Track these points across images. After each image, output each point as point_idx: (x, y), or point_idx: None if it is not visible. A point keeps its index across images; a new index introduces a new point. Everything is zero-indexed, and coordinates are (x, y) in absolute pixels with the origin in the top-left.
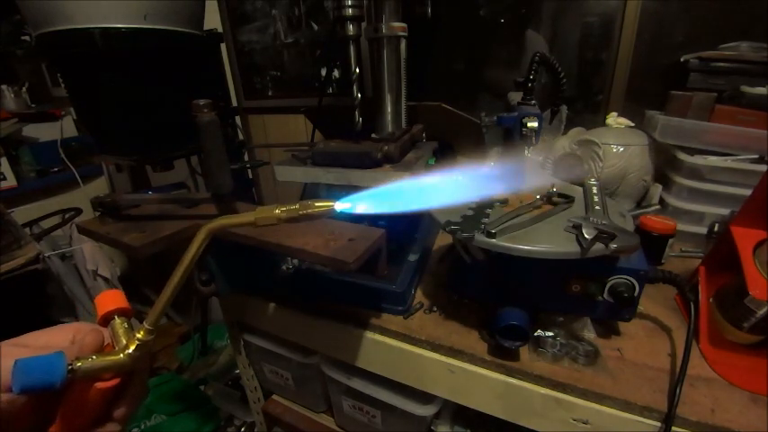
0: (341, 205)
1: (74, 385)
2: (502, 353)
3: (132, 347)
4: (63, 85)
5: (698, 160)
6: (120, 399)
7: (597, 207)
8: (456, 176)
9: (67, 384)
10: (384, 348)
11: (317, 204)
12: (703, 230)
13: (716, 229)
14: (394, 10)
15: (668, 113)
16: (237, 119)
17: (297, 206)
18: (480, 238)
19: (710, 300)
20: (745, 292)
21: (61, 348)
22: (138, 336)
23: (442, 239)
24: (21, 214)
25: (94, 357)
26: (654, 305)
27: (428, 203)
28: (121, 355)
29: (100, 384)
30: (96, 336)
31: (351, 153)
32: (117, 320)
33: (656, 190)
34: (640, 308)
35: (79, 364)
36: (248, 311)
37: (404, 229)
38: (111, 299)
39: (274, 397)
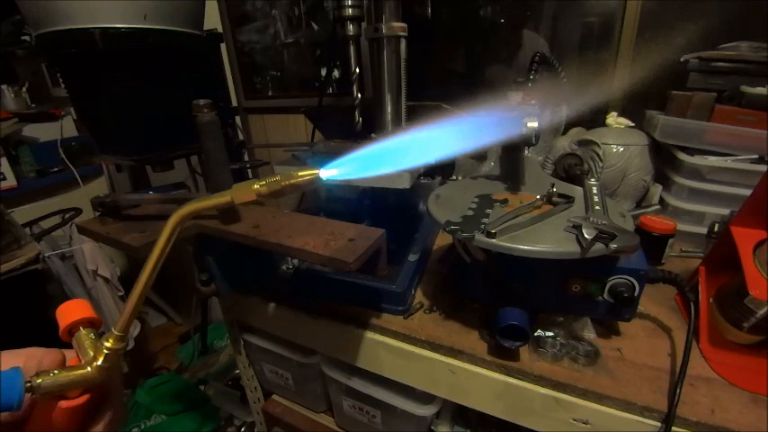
0: (326, 173)
1: (36, 405)
2: (502, 353)
3: (101, 359)
4: (63, 85)
5: (698, 160)
6: (95, 420)
7: (597, 207)
8: (439, 130)
9: (29, 405)
10: (384, 348)
11: (300, 174)
12: (703, 230)
13: (716, 229)
14: (394, 10)
15: (668, 113)
16: (237, 119)
17: (278, 177)
18: (480, 238)
19: (710, 300)
20: (745, 292)
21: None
22: (107, 344)
23: (442, 239)
24: (21, 214)
25: (56, 372)
26: (654, 305)
27: (412, 161)
28: (88, 369)
29: (64, 403)
30: (53, 357)
31: (353, 149)
32: (82, 332)
33: (656, 190)
34: (640, 308)
35: (39, 380)
36: (248, 311)
37: (404, 229)
38: (75, 309)
39: (274, 397)
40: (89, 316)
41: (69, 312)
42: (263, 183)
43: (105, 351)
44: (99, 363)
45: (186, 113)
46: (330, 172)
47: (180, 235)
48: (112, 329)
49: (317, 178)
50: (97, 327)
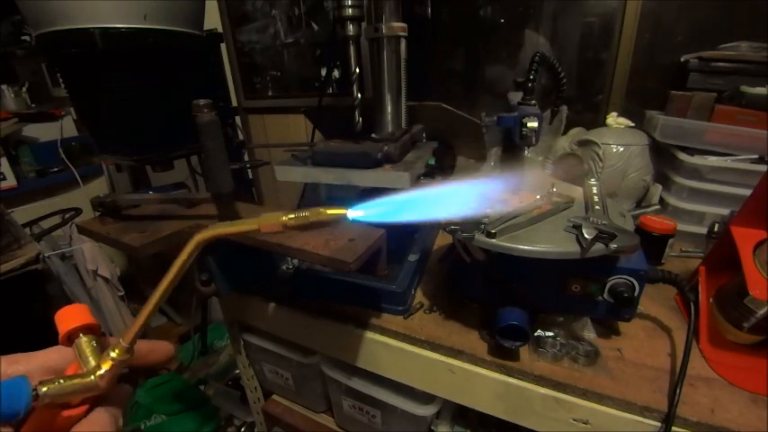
0: (353, 213)
1: (36, 413)
2: (502, 353)
3: (105, 368)
4: (63, 85)
5: (698, 160)
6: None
7: (597, 207)
8: (469, 188)
9: (29, 412)
10: (384, 348)
11: (328, 212)
12: (703, 230)
13: (716, 229)
14: (394, 10)
15: (668, 113)
16: (237, 119)
17: (307, 213)
18: (480, 238)
19: (710, 300)
20: (745, 292)
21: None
22: (113, 354)
23: (442, 239)
24: (21, 214)
25: (62, 381)
26: (654, 305)
27: (443, 214)
28: (92, 378)
29: (67, 412)
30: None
31: (351, 153)
32: (83, 339)
33: (656, 190)
34: (640, 308)
35: (44, 388)
36: (248, 311)
37: (404, 229)
38: (75, 314)
39: (274, 397)
40: (89, 322)
41: (69, 318)
42: (292, 216)
43: (111, 361)
44: (102, 372)
45: (186, 113)
46: (357, 213)
47: (182, 235)
48: (120, 340)
49: (344, 218)
50: (96, 333)
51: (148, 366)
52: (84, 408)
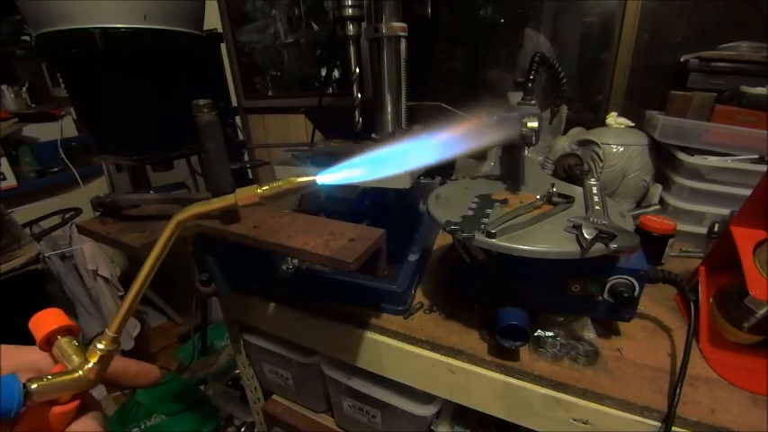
0: (321, 179)
1: (30, 413)
2: (502, 353)
3: (94, 360)
4: (63, 85)
5: (698, 160)
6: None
7: (597, 207)
8: (435, 137)
9: (21, 411)
10: (384, 348)
11: (299, 180)
12: (703, 230)
13: (716, 229)
14: (394, 10)
15: (668, 113)
16: (237, 119)
17: (280, 182)
18: (480, 238)
19: (710, 300)
20: (745, 292)
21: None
22: (101, 345)
23: (442, 239)
24: (21, 214)
25: (50, 377)
26: (654, 305)
27: (410, 164)
28: (80, 372)
29: (57, 409)
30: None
31: (351, 153)
32: (62, 340)
33: (656, 190)
34: (640, 308)
35: (34, 386)
36: (248, 311)
37: (404, 229)
38: (50, 318)
39: (274, 397)
40: (66, 324)
41: (45, 322)
42: (266, 187)
43: (99, 353)
44: (91, 365)
45: (186, 113)
46: (326, 178)
47: (180, 235)
48: (106, 331)
49: (314, 184)
50: (75, 334)
51: (132, 387)
52: (75, 403)
